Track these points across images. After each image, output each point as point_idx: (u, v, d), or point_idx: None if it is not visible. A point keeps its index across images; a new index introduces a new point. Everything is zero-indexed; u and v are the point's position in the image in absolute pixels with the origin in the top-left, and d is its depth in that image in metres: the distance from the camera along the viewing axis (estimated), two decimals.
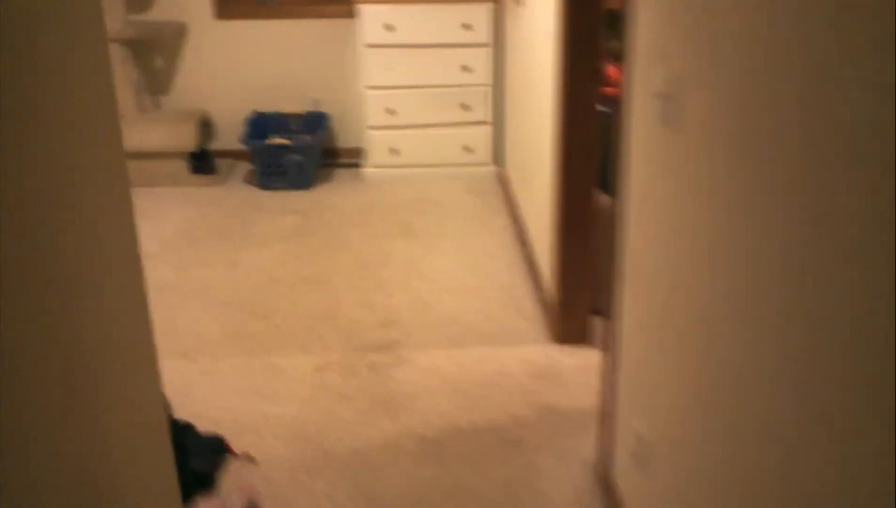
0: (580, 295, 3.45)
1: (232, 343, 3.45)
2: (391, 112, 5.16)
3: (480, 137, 5.28)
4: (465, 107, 5.20)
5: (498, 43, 5.09)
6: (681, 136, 1.77)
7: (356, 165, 5.42)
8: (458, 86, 5.16)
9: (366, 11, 4.98)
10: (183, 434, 2.67)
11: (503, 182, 5.16)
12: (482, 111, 5.23)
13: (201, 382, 3.18)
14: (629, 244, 2.24)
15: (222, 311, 3.70)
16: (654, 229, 1.99)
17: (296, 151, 5.03)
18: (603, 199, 3.42)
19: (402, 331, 3.53)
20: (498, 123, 5.27)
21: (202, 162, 5.19)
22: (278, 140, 5.09)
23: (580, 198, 3.34)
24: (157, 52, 5.38)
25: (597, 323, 3.51)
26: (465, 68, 5.11)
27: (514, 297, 3.82)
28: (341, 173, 5.43)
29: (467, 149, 5.29)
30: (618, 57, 2.23)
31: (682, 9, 1.73)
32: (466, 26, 5.02)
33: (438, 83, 5.14)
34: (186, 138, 5.07)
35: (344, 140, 5.59)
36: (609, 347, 2.49)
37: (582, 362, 3.31)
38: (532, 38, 3.95)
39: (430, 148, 5.28)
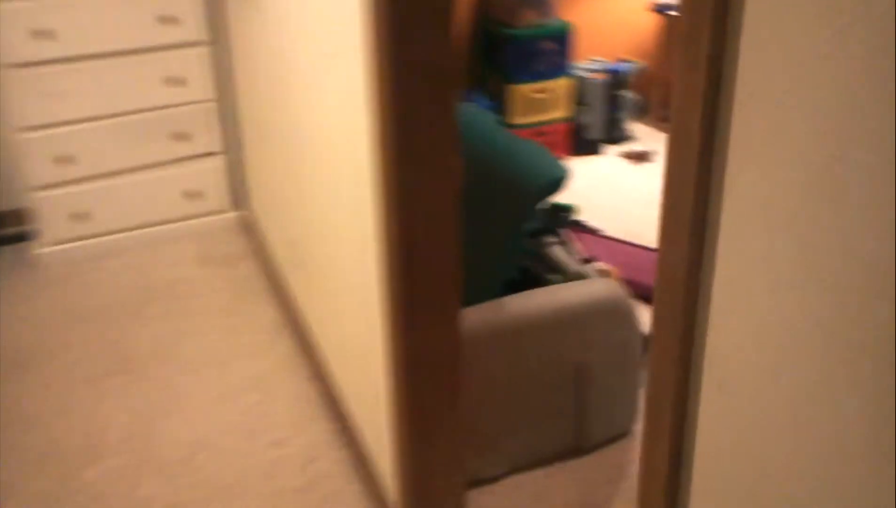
0: (445, 477, 2.04)
1: None
2: (68, 160, 3.38)
3: (209, 175, 3.66)
4: (179, 136, 3.54)
5: (220, 40, 3.46)
6: None
7: (22, 239, 3.60)
8: (166, 107, 3.48)
9: (2, 12, 3.14)
10: None
11: (251, 233, 3.59)
12: (207, 138, 3.60)
13: None
14: None
15: None
16: None
17: None
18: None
19: None
20: (233, 151, 3.66)
21: None
22: None
23: (433, 313, 1.90)
24: None
25: None
26: (172, 81, 3.44)
27: (324, 481, 2.32)
28: (1, 255, 3.57)
29: (191, 194, 3.64)
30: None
31: None
32: (168, 20, 3.34)
33: (134, 107, 3.43)
34: None
35: (2, 201, 3.73)
36: None
37: None
38: (282, 39, 2.41)
39: (135, 203, 3.57)
